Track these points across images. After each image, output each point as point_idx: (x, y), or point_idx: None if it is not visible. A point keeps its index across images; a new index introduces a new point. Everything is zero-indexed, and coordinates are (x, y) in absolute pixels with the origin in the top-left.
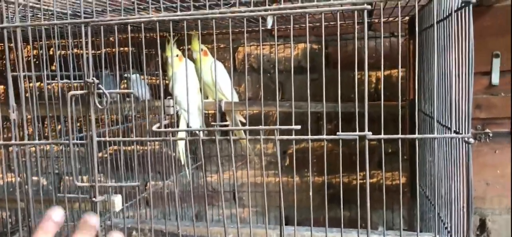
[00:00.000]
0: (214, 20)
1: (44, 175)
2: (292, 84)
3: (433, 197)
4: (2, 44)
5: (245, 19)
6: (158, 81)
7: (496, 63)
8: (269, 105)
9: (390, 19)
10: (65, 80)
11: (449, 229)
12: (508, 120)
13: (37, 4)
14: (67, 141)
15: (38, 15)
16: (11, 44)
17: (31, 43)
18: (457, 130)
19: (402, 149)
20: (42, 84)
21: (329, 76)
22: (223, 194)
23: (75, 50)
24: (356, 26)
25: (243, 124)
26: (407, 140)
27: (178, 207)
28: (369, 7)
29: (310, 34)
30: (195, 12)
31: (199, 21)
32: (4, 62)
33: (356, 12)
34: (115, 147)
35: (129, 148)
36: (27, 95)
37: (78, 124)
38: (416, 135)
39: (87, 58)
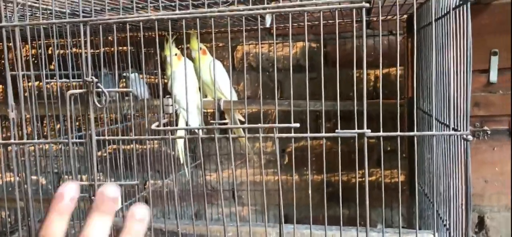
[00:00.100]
0: (212, 19)
1: (43, 174)
2: (291, 82)
3: (432, 195)
4: (1, 43)
5: (243, 17)
6: (157, 80)
7: (494, 60)
8: (268, 103)
9: (389, 17)
10: (64, 79)
11: (448, 226)
12: (506, 117)
13: (35, 3)
14: (66, 140)
15: (37, 14)
16: (10, 44)
17: (29, 43)
18: (456, 128)
19: (401, 147)
20: (41, 84)
21: (328, 74)
22: (223, 192)
23: (74, 49)
24: (355, 25)
25: (242, 123)
26: (406, 138)
27: (177, 206)
28: (367, 5)
29: (308, 33)
30: (193, 11)
31: (197, 19)
32: (3, 61)
33: (354, 10)
34: (114, 146)
35: (128, 147)
36: (26, 94)
37: (77, 123)
38: (415, 133)
39: (86, 57)
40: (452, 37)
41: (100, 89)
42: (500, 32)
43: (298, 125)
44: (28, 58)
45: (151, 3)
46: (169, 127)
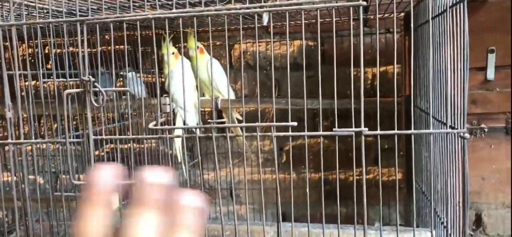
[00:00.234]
0: (209, 18)
1: (41, 173)
2: (288, 81)
3: (429, 193)
4: None
5: (240, 16)
6: (154, 79)
7: (491, 58)
8: (266, 102)
9: (386, 15)
10: (61, 79)
11: (445, 224)
12: (503, 115)
13: (32, 2)
14: (64, 140)
15: (33, 14)
16: (7, 43)
17: (26, 42)
18: (453, 125)
19: (398, 145)
20: (38, 83)
21: (325, 72)
22: (220, 191)
23: (71, 49)
24: (352, 23)
25: (240, 121)
26: (403, 136)
27: None
28: (364, 3)
29: (306, 31)
30: (190, 10)
31: (194, 18)
32: (0, 61)
33: (351, 9)
34: (112, 145)
35: (125, 146)
36: (23, 94)
37: (75, 122)
38: (412, 131)
39: (83, 56)
40: (449, 35)
41: (97, 88)
42: (497, 30)
43: (295, 123)
44: (25, 57)
45: (148, 2)
46: (166, 127)
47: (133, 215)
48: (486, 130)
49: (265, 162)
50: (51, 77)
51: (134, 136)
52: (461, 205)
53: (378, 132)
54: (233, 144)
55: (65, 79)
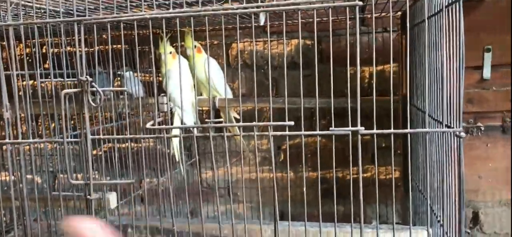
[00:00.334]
0: (206, 17)
1: (39, 173)
2: (285, 80)
3: (426, 191)
4: None
5: (237, 15)
6: (151, 78)
7: (488, 57)
8: (263, 101)
9: (382, 14)
10: (58, 79)
11: (441, 222)
12: (499, 114)
13: (29, 2)
14: (61, 139)
15: (31, 13)
16: (4, 43)
17: (23, 42)
18: (449, 124)
19: (395, 144)
20: (35, 83)
21: (322, 71)
22: (218, 190)
23: (68, 48)
24: (349, 22)
25: (237, 121)
26: (400, 135)
27: (173, 204)
28: (360, 3)
29: (303, 30)
30: (187, 9)
31: (192, 18)
32: None
33: (348, 8)
34: (110, 145)
35: (123, 145)
36: (20, 93)
37: (72, 122)
38: (408, 130)
39: (80, 56)
40: (445, 34)
41: (94, 88)
42: (493, 29)
43: (292, 123)
44: (22, 57)
45: (145, 1)
46: (164, 126)
47: None
48: (482, 128)
49: (262, 161)
50: (49, 77)
51: (131, 136)
52: (457, 203)
53: (375, 131)
54: (230, 143)
55: (62, 79)
